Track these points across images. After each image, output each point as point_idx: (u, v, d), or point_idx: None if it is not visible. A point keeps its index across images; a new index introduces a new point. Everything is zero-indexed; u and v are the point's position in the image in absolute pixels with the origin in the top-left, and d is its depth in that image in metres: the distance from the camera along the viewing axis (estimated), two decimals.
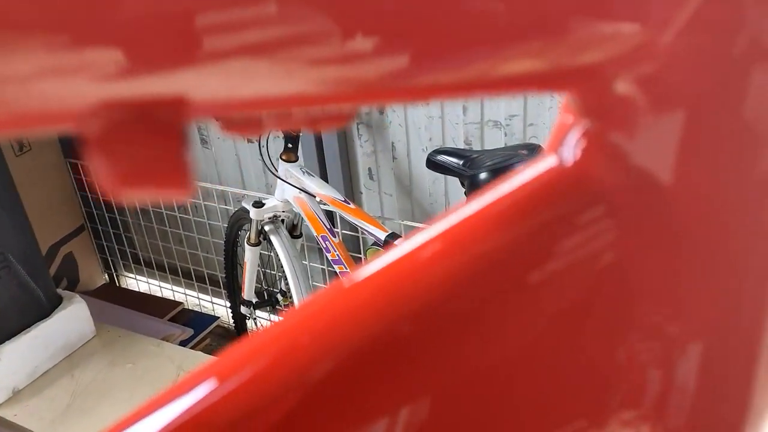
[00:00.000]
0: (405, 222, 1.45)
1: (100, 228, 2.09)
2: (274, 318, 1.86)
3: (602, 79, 0.15)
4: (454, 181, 1.42)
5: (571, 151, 0.17)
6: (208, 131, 1.80)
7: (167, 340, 1.66)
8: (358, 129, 1.51)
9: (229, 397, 0.16)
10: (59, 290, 1.62)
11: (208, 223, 1.85)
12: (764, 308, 0.17)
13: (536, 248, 0.17)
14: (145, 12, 0.10)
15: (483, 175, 1.04)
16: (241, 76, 0.12)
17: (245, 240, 1.50)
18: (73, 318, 1.57)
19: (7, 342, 1.43)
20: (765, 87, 0.15)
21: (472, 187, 1.06)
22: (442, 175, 1.42)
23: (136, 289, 2.14)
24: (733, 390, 0.18)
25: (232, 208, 1.77)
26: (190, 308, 1.97)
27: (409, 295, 0.16)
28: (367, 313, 0.16)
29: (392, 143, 1.48)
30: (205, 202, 1.83)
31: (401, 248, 0.18)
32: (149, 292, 2.10)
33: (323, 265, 1.67)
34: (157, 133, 0.12)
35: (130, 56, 0.11)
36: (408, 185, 1.51)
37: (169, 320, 1.85)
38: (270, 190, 1.72)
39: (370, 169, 1.56)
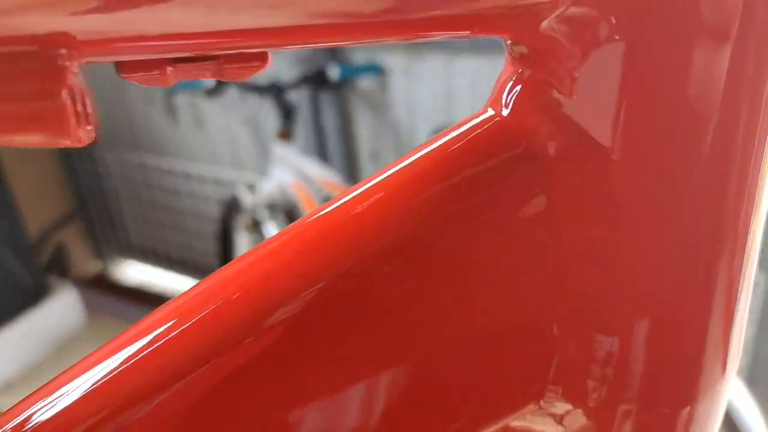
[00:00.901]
0: None
1: (92, 215, 2.02)
2: None
3: (531, 20, 0.15)
4: None
5: (508, 101, 0.18)
6: (203, 110, 1.73)
7: None
8: (359, 108, 1.43)
9: (181, 339, 0.16)
10: (49, 278, 1.56)
11: (202, 209, 1.78)
12: (709, 275, 0.17)
13: (467, 197, 0.17)
14: None
15: None
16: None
17: (243, 227, 1.43)
18: (62, 307, 1.52)
19: None
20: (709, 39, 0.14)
21: None
22: None
23: (130, 277, 2.07)
24: (682, 357, 0.18)
25: (226, 192, 1.70)
26: None
27: (348, 240, 0.16)
28: (304, 265, 0.16)
29: (396, 123, 1.40)
30: (200, 186, 1.76)
31: (343, 197, 0.17)
32: (143, 281, 2.04)
33: None
34: (37, 74, 0.12)
35: None
36: None
37: None
38: (265, 173, 1.65)
39: (372, 152, 1.48)
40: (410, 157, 0.18)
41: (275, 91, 1.22)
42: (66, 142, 0.12)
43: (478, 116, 0.18)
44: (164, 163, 1.78)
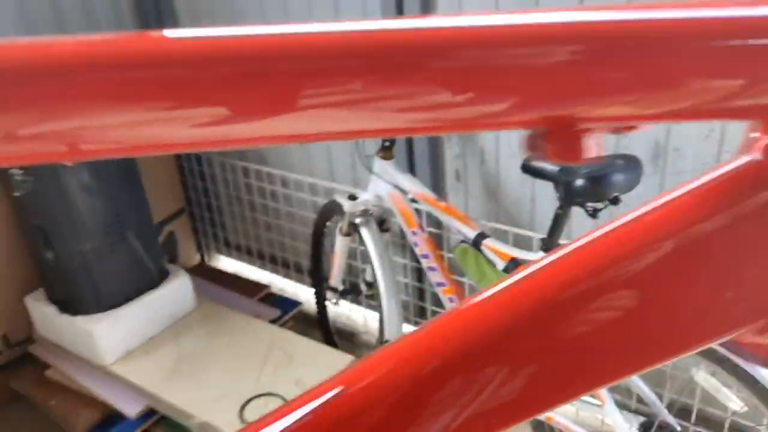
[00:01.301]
0: (489, 224, 1.51)
1: (197, 211, 2.26)
2: (355, 306, 1.96)
3: None
4: (542, 188, 1.46)
5: (759, 152, 0.28)
6: None
7: (258, 319, 1.79)
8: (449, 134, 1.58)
9: (354, 394, 0.24)
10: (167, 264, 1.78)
11: (296, 213, 1.97)
12: None
13: (737, 214, 0.27)
14: None
15: (579, 182, 1.09)
16: None
17: (337, 230, 1.59)
18: (178, 290, 1.73)
19: (122, 307, 1.60)
20: None
21: (568, 193, 1.11)
22: (530, 181, 1.47)
23: (225, 270, 2.29)
24: None
25: (320, 200, 1.88)
26: (275, 291, 2.10)
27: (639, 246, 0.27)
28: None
29: (482, 147, 1.54)
30: (296, 193, 1.95)
31: (632, 213, 0.28)
32: (237, 272, 2.25)
33: (405, 259, 1.75)
34: (566, 133, 0.25)
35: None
36: (495, 188, 1.57)
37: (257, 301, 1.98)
38: (358, 184, 1.82)
39: (457, 171, 1.62)
40: (684, 186, 0.28)
41: None
42: (572, 162, 0.26)
43: (739, 161, 0.28)
44: (265, 170, 1.99)
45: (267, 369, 1.54)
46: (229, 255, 2.34)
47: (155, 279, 1.68)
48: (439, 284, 1.43)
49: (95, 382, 1.59)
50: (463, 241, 1.32)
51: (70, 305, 1.59)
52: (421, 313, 1.85)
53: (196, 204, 2.26)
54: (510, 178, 1.52)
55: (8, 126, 0.20)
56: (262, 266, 2.21)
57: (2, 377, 1.73)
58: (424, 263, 1.44)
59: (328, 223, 1.82)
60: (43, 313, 1.66)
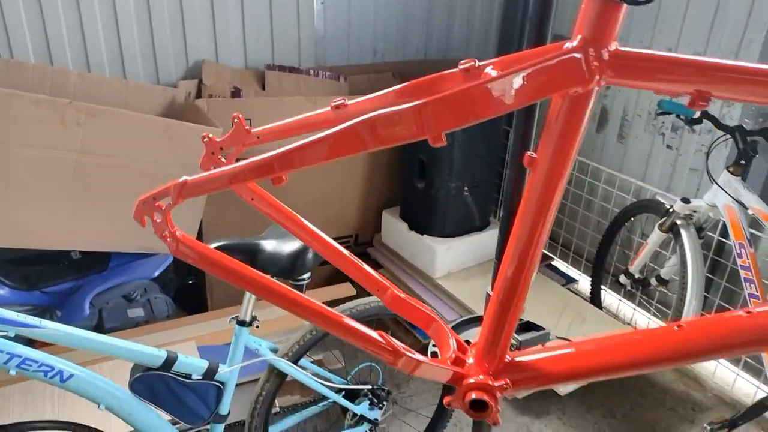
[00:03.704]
0: None
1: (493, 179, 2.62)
2: (627, 300, 2.15)
3: None
4: None
5: None
6: (630, 129, 2.14)
7: (551, 280, 2.09)
8: None
9: None
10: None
11: (596, 202, 2.20)
12: None
13: None
14: None
15: None
16: None
17: (656, 226, 1.80)
18: (492, 237, 2.10)
19: (456, 238, 2.01)
20: None
21: None
22: None
23: None
24: None
25: (624, 195, 2.08)
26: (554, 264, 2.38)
27: None
28: None
29: None
30: (603, 185, 2.18)
31: None
32: None
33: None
34: None
35: None
36: None
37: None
38: (670, 190, 1.99)
39: None
40: None
41: (741, 132, 1.55)
42: None
43: None
44: (578, 158, 2.25)
45: (562, 321, 1.83)
46: None
47: (481, 225, 2.07)
48: (752, 296, 1.56)
49: (421, 288, 2.04)
50: None
51: (420, 226, 2.05)
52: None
53: (496, 174, 2.62)
54: None
55: None
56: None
57: None
58: (742, 274, 1.58)
59: (632, 218, 2.04)
60: (393, 226, 2.15)
